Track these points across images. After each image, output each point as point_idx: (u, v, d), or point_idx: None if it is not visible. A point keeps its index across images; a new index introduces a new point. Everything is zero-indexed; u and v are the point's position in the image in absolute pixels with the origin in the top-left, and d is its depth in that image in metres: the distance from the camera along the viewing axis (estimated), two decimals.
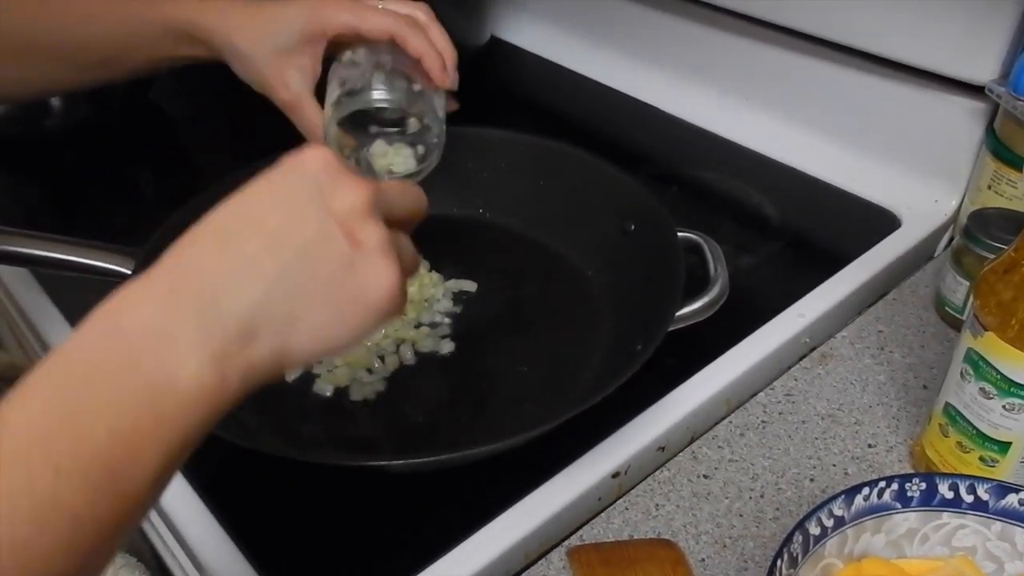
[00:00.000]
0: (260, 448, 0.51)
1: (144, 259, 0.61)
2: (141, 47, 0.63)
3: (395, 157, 0.63)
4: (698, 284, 0.61)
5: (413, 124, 0.62)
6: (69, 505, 0.30)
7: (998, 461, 0.50)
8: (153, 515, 0.57)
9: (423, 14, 0.62)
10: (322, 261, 0.37)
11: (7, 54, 0.61)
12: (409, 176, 0.63)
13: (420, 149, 0.63)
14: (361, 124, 0.62)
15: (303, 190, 0.37)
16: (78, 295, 0.72)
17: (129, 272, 0.61)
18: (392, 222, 0.40)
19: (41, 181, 0.96)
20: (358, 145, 0.63)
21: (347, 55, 0.61)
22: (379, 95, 0.59)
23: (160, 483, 0.34)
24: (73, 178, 0.94)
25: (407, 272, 0.40)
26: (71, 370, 0.33)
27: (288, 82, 0.60)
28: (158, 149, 1.00)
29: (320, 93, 0.62)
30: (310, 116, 0.61)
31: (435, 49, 0.61)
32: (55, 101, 0.95)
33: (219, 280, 0.35)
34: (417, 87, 0.60)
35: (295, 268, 0.36)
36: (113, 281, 0.61)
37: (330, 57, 0.62)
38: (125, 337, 0.33)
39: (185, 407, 0.33)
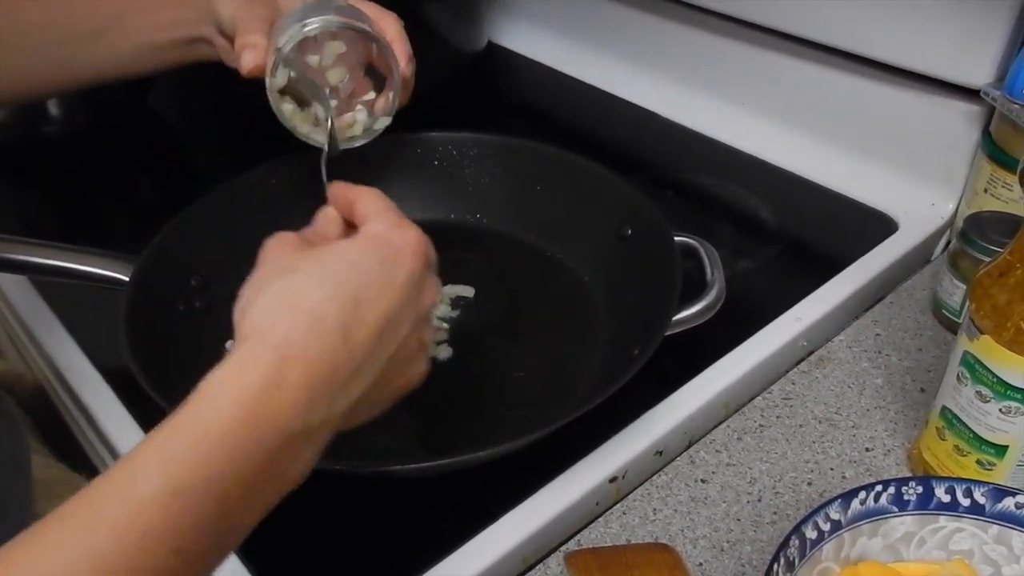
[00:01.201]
0: None
1: (144, 263, 0.61)
2: (137, 9, 0.62)
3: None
4: (695, 288, 0.61)
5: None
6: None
7: (995, 464, 0.51)
8: None
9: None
10: (400, 361, 0.43)
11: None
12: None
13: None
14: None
15: (407, 291, 0.42)
16: (77, 302, 0.73)
17: (127, 279, 0.61)
18: None
19: (40, 187, 0.96)
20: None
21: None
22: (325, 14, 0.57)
23: None
24: (72, 184, 0.94)
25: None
26: (210, 455, 0.34)
27: (262, 14, 0.59)
28: (156, 155, 1.00)
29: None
30: (257, 40, 0.59)
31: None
32: (54, 108, 0.95)
33: (339, 380, 0.39)
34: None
35: (386, 370, 0.42)
36: (111, 288, 0.61)
37: None
38: (267, 438, 0.36)
39: (287, 489, 0.39)
